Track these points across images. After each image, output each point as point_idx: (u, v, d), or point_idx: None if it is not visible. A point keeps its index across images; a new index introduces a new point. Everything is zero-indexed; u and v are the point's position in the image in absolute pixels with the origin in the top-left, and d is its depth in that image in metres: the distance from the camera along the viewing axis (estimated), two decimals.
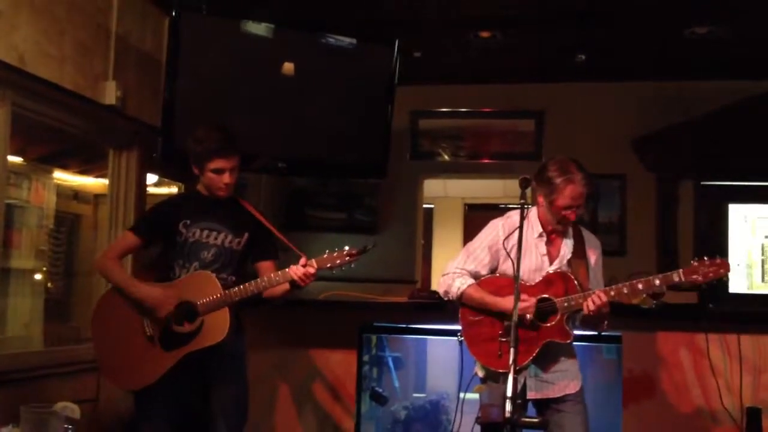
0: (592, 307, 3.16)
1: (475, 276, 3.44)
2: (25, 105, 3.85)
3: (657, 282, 3.16)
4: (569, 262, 3.36)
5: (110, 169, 4.64)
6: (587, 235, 3.47)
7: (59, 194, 4.73)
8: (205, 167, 3.42)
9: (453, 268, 3.47)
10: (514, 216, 3.38)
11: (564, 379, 3.35)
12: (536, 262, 3.36)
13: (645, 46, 5.50)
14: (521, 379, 3.21)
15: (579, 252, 3.39)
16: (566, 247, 3.38)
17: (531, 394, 3.30)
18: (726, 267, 3.12)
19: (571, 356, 3.40)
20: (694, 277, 3.13)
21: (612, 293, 3.21)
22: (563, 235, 3.39)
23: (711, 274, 3.12)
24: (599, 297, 3.16)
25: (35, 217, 4.54)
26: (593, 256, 3.43)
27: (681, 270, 3.15)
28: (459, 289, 3.41)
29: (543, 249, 3.37)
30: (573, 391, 3.35)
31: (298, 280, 3.32)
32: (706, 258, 3.14)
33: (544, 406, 3.34)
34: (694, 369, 4.32)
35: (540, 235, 3.38)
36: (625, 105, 6.16)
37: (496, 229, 3.43)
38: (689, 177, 6.07)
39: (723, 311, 4.35)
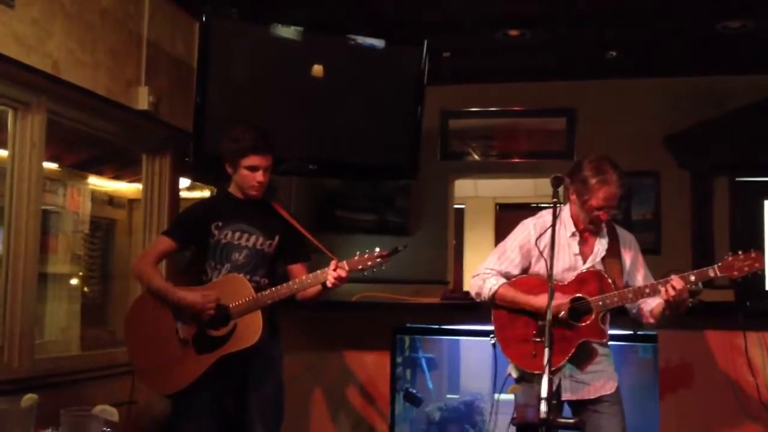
0: (672, 292, 3.10)
1: (507, 276, 3.41)
2: (60, 112, 3.90)
3: (692, 278, 3.13)
4: (603, 260, 3.33)
5: (144, 173, 4.69)
6: (622, 232, 3.43)
7: (94, 199, 4.78)
8: (239, 164, 3.45)
9: (484, 269, 3.45)
10: (545, 215, 3.36)
11: (600, 380, 3.31)
12: (569, 260, 3.33)
13: (677, 42, 5.44)
14: (556, 380, 3.19)
15: (613, 250, 3.35)
16: (600, 245, 3.34)
17: (566, 396, 3.27)
18: (761, 261, 3.08)
19: (607, 356, 3.36)
20: (730, 272, 3.10)
21: (647, 290, 3.18)
22: (597, 233, 3.36)
23: (746, 269, 3.09)
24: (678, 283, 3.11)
25: (71, 223, 4.60)
26: (628, 255, 3.39)
27: (716, 265, 3.12)
28: (491, 289, 3.38)
29: (576, 248, 3.34)
30: (609, 392, 3.31)
31: (330, 283, 3.33)
32: (740, 252, 3.11)
33: (580, 407, 3.31)
34: (731, 367, 4.26)
35: (573, 234, 3.34)
36: (658, 101, 6.10)
37: (527, 229, 3.41)
38: (724, 173, 6.00)
39: (760, 308, 4.29)
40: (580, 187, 3.24)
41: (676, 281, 3.11)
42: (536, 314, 3.26)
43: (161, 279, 3.51)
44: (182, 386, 3.37)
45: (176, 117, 4.67)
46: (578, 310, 3.23)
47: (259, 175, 3.45)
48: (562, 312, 3.17)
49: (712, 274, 3.12)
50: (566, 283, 3.28)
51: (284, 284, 3.40)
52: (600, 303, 3.21)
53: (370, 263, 3.33)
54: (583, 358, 3.28)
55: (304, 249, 3.64)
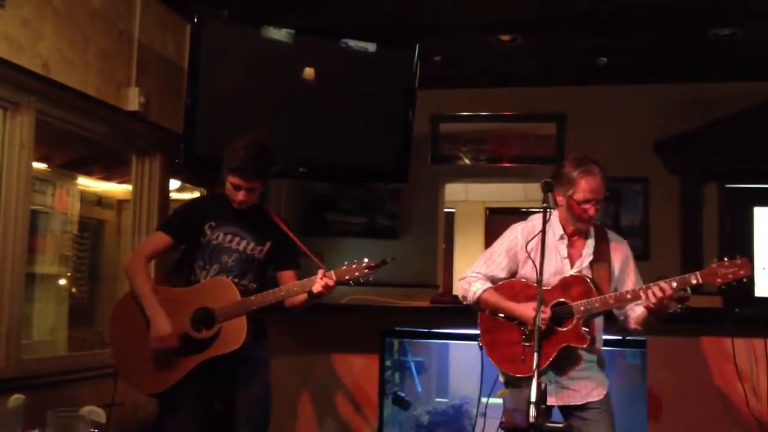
0: (653, 299, 3.06)
1: (493, 280, 3.42)
2: (50, 112, 3.89)
3: (674, 285, 3.07)
4: (591, 265, 3.32)
5: (133, 174, 4.68)
6: (614, 238, 3.42)
7: (83, 200, 4.77)
8: (225, 176, 3.46)
9: (471, 272, 3.47)
10: (535, 219, 3.36)
11: (586, 386, 3.29)
12: (557, 265, 3.33)
13: (667, 48, 5.46)
14: (542, 385, 3.19)
15: (602, 254, 3.33)
16: (588, 249, 3.33)
17: (551, 400, 3.22)
18: (746, 268, 3.00)
19: (596, 362, 3.34)
20: (712, 279, 3.03)
21: (629, 296, 3.16)
22: (585, 236, 3.36)
23: (730, 276, 3.01)
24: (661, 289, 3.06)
25: (59, 223, 4.58)
26: (618, 261, 3.36)
27: (699, 272, 3.05)
28: (475, 293, 3.40)
29: (564, 251, 3.34)
30: (596, 399, 3.28)
31: (317, 291, 3.32)
32: (726, 259, 3.03)
33: (568, 413, 3.31)
34: (719, 374, 4.28)
35: (561, 238, 3.35)
36: (648, 107, 6.11)
37: (515, 233, 3.41)
38: (713, 180, 6.02)
39: (749, 315, 4.30)
40: (565, 183, 3.25)
41: (656, 288, 3.07)
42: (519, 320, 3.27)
43: (148, 286, 3.47)
44: (164, 387, 3.37)
45: (166, 118, 4.66)
46: (560, 314, 3.22)
47: (240, 195, 3.45)
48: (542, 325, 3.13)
49: (693, 281, 3.06)
50: (551, 287, 3.28)
51: (271, 290, 3.40)
52: (582, 308, 3.20)
53: (357, 274, 3.33)
54: (566, 362, 3.26)
55: (295, 257, 3.63)
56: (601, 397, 3.30)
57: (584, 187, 3.20)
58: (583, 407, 3.28)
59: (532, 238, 3.26)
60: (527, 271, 3.35)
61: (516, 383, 3.28)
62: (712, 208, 6.03)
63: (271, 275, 3.61)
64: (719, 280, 3.02)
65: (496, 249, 3.45)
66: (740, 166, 5.85)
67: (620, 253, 3.38)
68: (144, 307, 3.40)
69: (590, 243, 3.34)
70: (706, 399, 4.28)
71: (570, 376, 3.29)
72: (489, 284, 3.40)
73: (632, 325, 3.32)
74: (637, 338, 4.20)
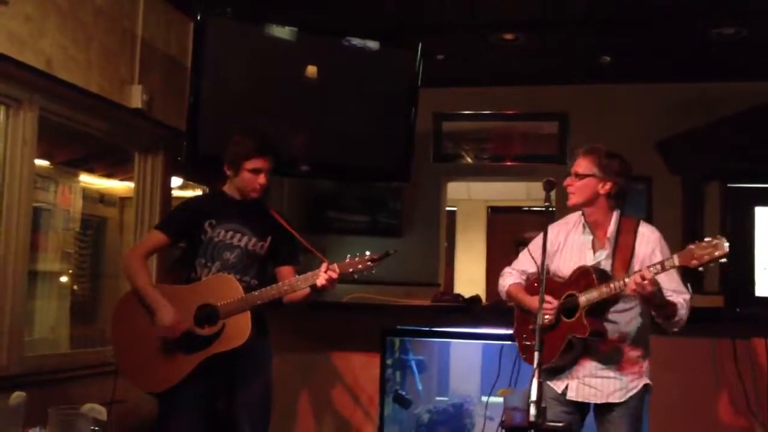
0: (632, 285, 2.97)
1: (527, 275, 3.47)
2: (52, 109, 3.89)
3: (654, 270, 2.97)
4: (612, 255, 3.25)
5: (136, 172, 4.68)
6: (644, 229, 3.32)
7: (85, 197, 4.77)
8: (241, 167, 3.47)
9: (507, 268, 3.54)
10: (567, 218, 3.42)
11: (609, 386, 3.21)
12: (581, 257, 3.29)
13: (670, 48, 5.45)
14: (565, 380, 3.22)
15: (624, 246, 3.26)
16: (608, 242, 3.28)
17: (571, 395, 3.22)
18: (721, 247, 2.89)
19: (626, 362, 3.25)
20: (688, 260, 2.93)
21: (621, 285, 3.04)
22: (608, 229, 3.31)
23: (706, 257, 2.90)
24: (642, 276, 2.98)
25: (61, 221, 4.58)
26: (642, 251, 3.25)
27: (676, 255, 2.96)
28: (504, 287, 3.47)
29: (589, 245, 3.31)
30: (618, 401, 3.20)
31: (320, 285, 3.32)
32: (706, 240, 2.93)
33: (596, 412, 3.26)
34: (720, 374, 4.28)
35: (586, 232, 3.32)
36: (650, 107, 6.11)
37: (546, 230, 3.40)
38: (715, 179, 6.02)
39: (750, 315, 4.30)
40: None
41: (637, 275, 2.98)
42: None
43: (146, 279, 3.47)
44: (168, 385, 3.36)
45: (169, 116, 4.66)
46: (570, 306, 3.20)
47: (261, 178, 3.48)
48: (548, 317, 3.13)
49: (669, 265, 2.97)
50: (565, 280, 3.26)
51: (274, 285, 3.40)
52: (582, 298, 3.13)
53: (360, 266, 3.33)
54: (579, 356, 3.22)
55: (295, 252, 3.64)
56: (624, 399, 3.21)
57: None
58: (606, 407, 3.22)
59: (534, 236, 3.28)
60: (555, 266, 3.33)
61: (547, 375, 3.22)
62: (713, 208, 6.03)
63: (271, 271, 3.62)
64: (695, 261, 2.92)
65: (530, 245, 3.50)
66: (742, 166, 5.85)
67: (646, 246, 3.27)
68: (146, 301, 3.39)
69: (611, 236, 3.29)
70: (707, 399, 4.28)
71: (592, 373, 3.23)
72: (519, 279, 3.45)
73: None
74: None
